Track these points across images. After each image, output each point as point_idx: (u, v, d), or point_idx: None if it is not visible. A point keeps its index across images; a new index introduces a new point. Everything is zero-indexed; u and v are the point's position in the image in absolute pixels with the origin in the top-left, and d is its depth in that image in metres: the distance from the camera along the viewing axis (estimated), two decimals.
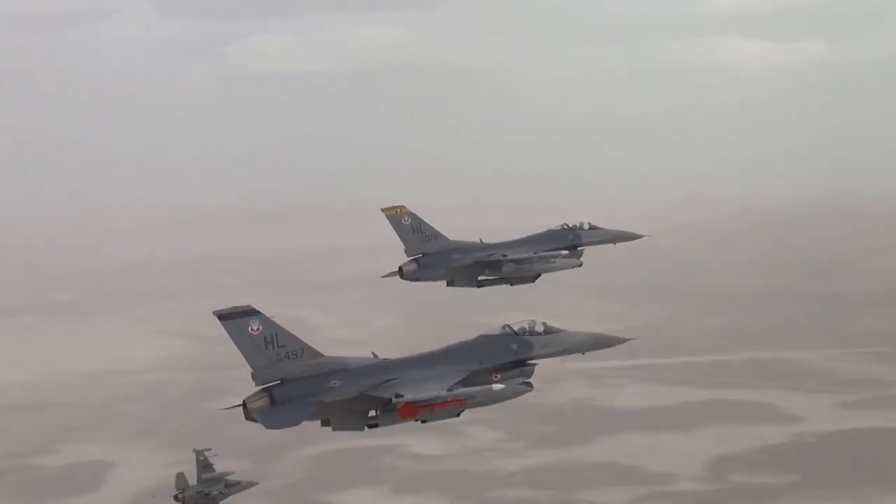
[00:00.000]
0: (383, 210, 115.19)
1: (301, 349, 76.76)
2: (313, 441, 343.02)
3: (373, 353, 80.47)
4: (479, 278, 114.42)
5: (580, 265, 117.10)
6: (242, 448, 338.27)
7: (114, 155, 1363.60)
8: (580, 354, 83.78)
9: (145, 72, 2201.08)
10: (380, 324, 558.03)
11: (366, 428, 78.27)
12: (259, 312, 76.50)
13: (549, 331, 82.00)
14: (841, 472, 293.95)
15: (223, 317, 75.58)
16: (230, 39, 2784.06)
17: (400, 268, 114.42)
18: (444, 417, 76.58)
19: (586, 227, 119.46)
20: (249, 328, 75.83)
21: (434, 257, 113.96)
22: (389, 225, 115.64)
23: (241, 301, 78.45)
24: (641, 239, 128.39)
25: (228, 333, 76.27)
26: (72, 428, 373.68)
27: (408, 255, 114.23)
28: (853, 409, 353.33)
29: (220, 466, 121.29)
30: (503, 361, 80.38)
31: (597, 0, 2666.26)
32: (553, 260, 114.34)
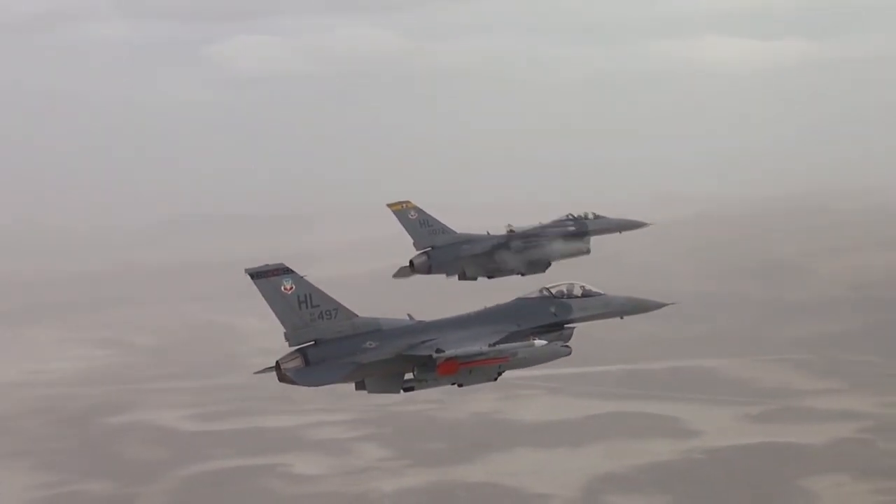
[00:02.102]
0: (389, 206, 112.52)
1: (335, 309, 74.68)
2: (190, 461, 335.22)
3: (408, 315, 77.69)
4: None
5: (588, 252, 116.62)
6: (117, 469, 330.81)
7: (83, 160, 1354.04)
8: (619, 318, 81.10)
9: (119, 76, 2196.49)
10: None
11: (402, 391, 76.38)
12: (292, 271, 74.31)
13: (587, 294, 79.69)
14: (717, 492, 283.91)
15: (255, 275, 73.61)
16: (208, 42, 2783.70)
17: (411, 261, 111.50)
18: (482, 380, 74.46)
19: (591, 216, 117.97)
20: (282, 287, 73.71)
21: (443, 250, 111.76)
22: (396, 220, 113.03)
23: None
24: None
25: (261, 292, 73.59)
26: None
27: (417, 249, 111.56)
28: (755, 423, 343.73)
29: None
30: (541, 324, 77.87)
31: (577, 2, 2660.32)
32: (559, 239, 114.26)
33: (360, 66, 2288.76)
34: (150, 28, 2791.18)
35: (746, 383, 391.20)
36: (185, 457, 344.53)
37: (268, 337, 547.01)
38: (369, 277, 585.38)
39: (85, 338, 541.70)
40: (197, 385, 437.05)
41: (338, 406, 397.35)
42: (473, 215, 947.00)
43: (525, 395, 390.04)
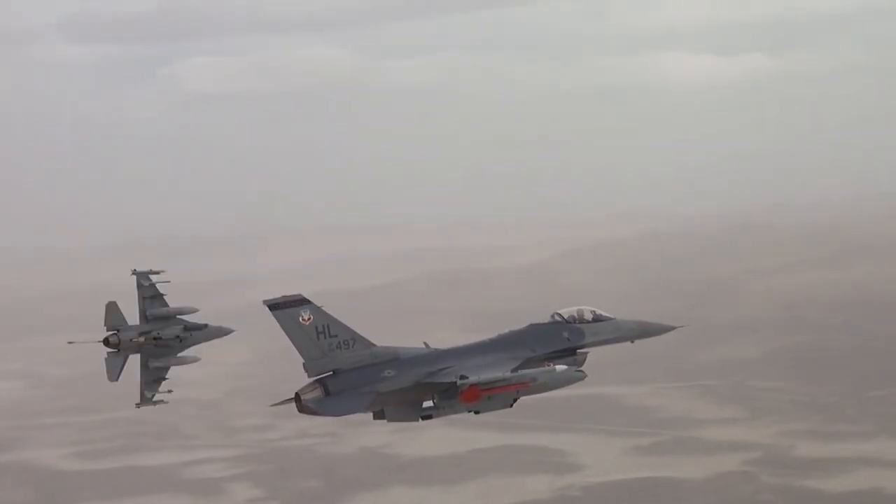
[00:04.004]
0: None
1: (353, 339, 74.51)
2: None
3: (424, 343, 77.17)
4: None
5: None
6: None
7: (34, 179, 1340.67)
8: (629, 343, 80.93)
9: (71, 97, 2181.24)
10: (225, 360, 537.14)
11: (420, 419, 75.72)
12: (310, 302, 73.89)
13: (598, 318, 79.21)
14: None
15: (274, 307, 73.81)
16: (163, 63, 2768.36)
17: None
18: (498, 407, 73.76)
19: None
20: (301, 318, 73.82)
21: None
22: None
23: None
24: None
25: (279, 323, 73.89)
26: None
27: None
28: (642, 456, 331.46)
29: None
30: (555, 349, 77.40)
31: (537, 18, 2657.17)
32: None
33: (315, 84, 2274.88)
34: (102, 50, 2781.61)
35: (646, 412, 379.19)
36: (55, 499, 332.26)
37: (184, 368, 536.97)
38: (325, 299, 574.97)
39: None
40: (91, 420, 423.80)
41: (226, 441, 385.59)
42: (428, 232, 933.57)
43: (418, 426, 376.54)
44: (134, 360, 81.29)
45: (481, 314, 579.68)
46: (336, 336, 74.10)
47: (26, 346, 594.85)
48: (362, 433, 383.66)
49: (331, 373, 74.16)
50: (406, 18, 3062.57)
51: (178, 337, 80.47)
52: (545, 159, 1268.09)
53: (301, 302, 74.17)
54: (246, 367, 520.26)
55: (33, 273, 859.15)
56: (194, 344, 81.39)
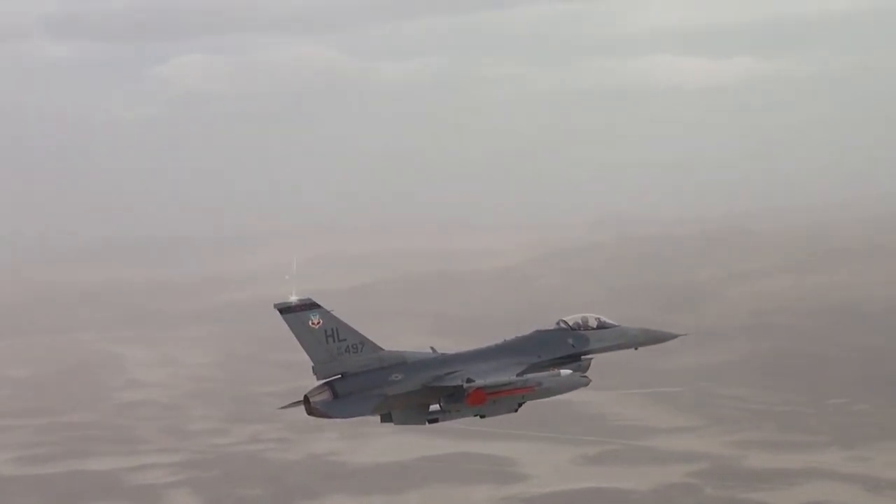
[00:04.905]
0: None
1: (361, 343, 75.44)
2: None
3: (431, 348, 78.28)
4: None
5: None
6: None
7: (22, 178, 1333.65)
8: (633, 350, 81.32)
9: (60, 95, 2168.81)
10: (195, 361, 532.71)
11: (426, 423, 76.57)
12: (319, 306, 74.53)
13: (602, 325, 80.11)
14: None
15: (284, 310, 74.23)
16: (152, 62, 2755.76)
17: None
18: (503, 411, 75.45)
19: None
20: (310, 322, 74.37)
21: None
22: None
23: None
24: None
25: (289, 327, 74.28)
26: None
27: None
28: (590, 465, 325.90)
29: None
30: (560, 355, 78.40)
31: (527, 21, 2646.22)
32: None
33: (305, 84, 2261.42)
34: (89, 48, 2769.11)
35: (602, 420, 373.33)
36: None
37: (149, 370, 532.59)
38: (334, 297, 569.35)
39: None
40: (47, 422, 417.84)
41: (175, 446, 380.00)
42: (404, 234, 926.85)
43: (369, 433, 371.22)
44: None
45: (453, 317, 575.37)
46: (345, 340, 74.99)
47: None
48: (313, 439, 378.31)
49: (339, 376, 75.12)
50: (398, 19, 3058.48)
51: None
52: (530, 162, 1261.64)
53: (311, 306, 74.62)
54: (211, 369, 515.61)
55: (22, 269, 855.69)
56: None
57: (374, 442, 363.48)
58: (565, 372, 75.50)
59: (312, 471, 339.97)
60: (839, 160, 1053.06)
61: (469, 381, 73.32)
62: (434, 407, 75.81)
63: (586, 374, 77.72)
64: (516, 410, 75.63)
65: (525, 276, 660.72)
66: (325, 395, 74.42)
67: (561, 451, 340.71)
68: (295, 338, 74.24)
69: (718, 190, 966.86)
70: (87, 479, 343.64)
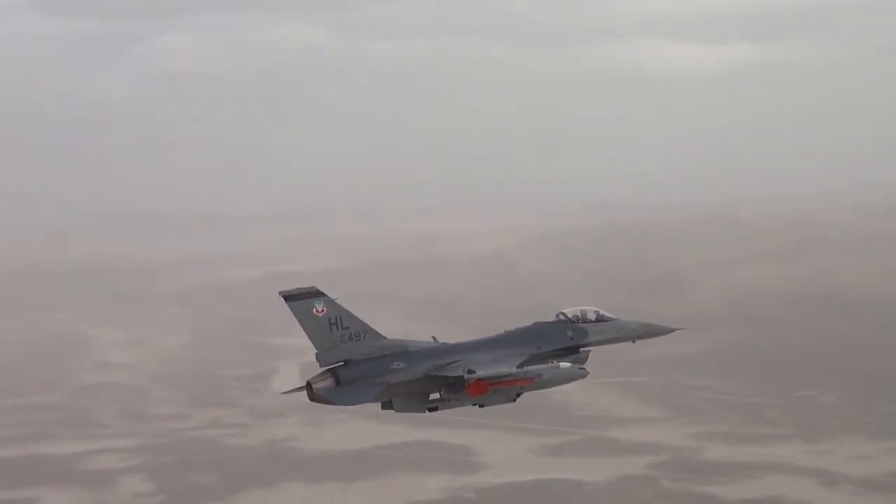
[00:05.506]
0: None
1: (364, 331, 77.34)
2: None
3: (433, 337, 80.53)
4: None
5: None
6: None
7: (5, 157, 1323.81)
8: (631, 343, 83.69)
9: (47, 73, 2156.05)
10: (166, 343, 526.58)
11: (426, 411, 78.62)
12: (323, 294, 76.75)
13: (601, 318, 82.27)
14: None
15: (288, 298, 76.34)
16: (139, 39, 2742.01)
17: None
18: (502, 401, 77.41)
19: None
20: (314, 310, 76.50)
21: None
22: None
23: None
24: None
25: (294, 314, 76.32)
26: None
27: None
28: (548, 456, 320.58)
29: None
30: (559, 347, 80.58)
31: (517, 4, 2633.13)
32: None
33: (293, 64, 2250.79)
34: (77, 26, 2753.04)
35: (567, 409, 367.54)
36: None
37: (117, 351, 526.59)
38: (310, 280, 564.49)
39: None
40: (3, 404, 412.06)
41: (134, 430, 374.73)
42: (386, 218, 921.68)
43: (332, 419, 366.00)
44: None
45: (430, 302, 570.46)
46: (348, 328, 76.81)
47: None
48: (274, 425, 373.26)
49: (342, 363, 76.96)
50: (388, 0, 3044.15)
51: None
52: (517, 145, 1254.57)
53: (315, 294, 76.69)
54: (180, 351, 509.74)
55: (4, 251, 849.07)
56: None
57: (333, 428, 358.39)
58: (564, 365, 78.23)
59: (269, 457, 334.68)
60: (827, 149, 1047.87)
61: (471, 372, 75.56)
62: (434, 395, 78.24)
63: (584, 366, 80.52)
64: (514, 400, 78.37)
65: (507, 260, 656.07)
66: (328, 382, 76.45)
67: (522, 440, 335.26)
68: (299, 325, 76.55)
69: (705, 176, 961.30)
70: (39, 464, 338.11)
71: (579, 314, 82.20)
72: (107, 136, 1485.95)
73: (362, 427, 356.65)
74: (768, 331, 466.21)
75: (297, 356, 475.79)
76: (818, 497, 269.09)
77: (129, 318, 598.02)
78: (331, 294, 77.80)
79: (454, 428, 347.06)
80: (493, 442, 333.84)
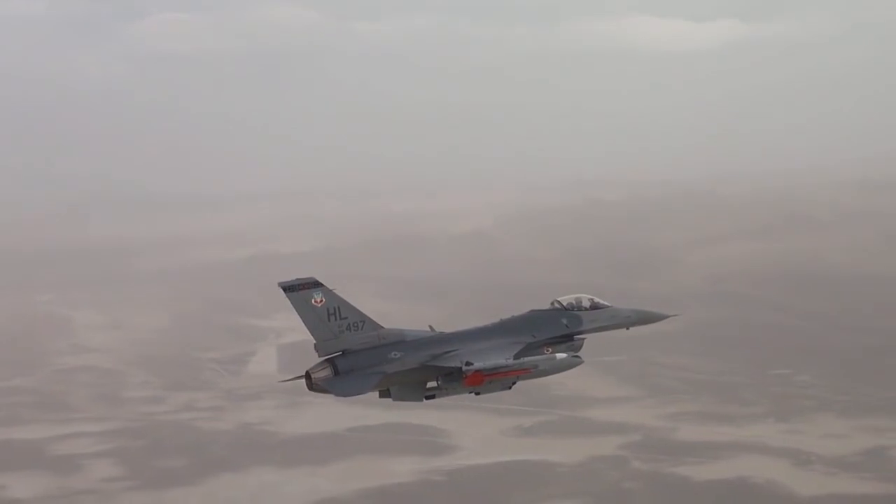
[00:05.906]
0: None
1: (362, 321, 77.89)
2: None
3: (430, 326, 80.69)
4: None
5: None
6: None
7: None
8: (625, 329, 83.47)
9: (35, 52, 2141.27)
10: (145, 325, 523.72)
11: (423, 399, 79.09)
12: (322, 284, 77.38)
13: (595, 306, 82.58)
14: None
15: (287, 288, 76.96)
16: (128, 19, 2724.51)
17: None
18: (498, 389, 77.96)
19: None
20: (313, 300, 77.00)
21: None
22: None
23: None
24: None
25: (293, 305, 76.85)
26: None
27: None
28: (521, 437, 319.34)
29: None
30: (554, 335, 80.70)
31: None
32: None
33: (281, 43, 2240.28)
34: (64, 6, 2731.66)
35: (544, 389, 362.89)
36: None
37: (96, 333, 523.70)
38: (292, 261, 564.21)
39: None
40: None
41: (106, 414, 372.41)
42: (368, 197, 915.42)
43: (306, 402, 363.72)
44: None
45: (412, 282, 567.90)
46: (346, 318, 77.26)
47: None
48: (248, 408, 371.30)
49: (340, 353, 77.38)
50: None
51: None
52: (503, 123, 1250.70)
53: (314, 284, 77.05)
54: (160, 334, 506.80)
55: None
56: None
57: (307, 411, 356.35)
58: (560, 355, 78.03)
59: (241, 441, 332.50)
60: (812, 125, 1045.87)
61: (468, 363, 75.57)
62: (431, 384, 78.51)
63: (578, 353, 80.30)
64: (510, 388, 78.15)
65: (489, 238, 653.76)
66: (327, 372, 76.78)
67: (497, 422, 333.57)
68: (298, 315, 76.80)
69: (688, 153, 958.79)
70: (11, 447, 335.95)
71: (574, 302, 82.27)
72: (92, 116, 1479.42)
73: (335, 410, 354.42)
74: (746, 309, 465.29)
75: (277, 338, 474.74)
76: (789, 477, 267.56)
77: (109, 301, 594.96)
78: (329, 285, 78.17)
79: (430, 410, 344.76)
80: (466, 424, 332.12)
